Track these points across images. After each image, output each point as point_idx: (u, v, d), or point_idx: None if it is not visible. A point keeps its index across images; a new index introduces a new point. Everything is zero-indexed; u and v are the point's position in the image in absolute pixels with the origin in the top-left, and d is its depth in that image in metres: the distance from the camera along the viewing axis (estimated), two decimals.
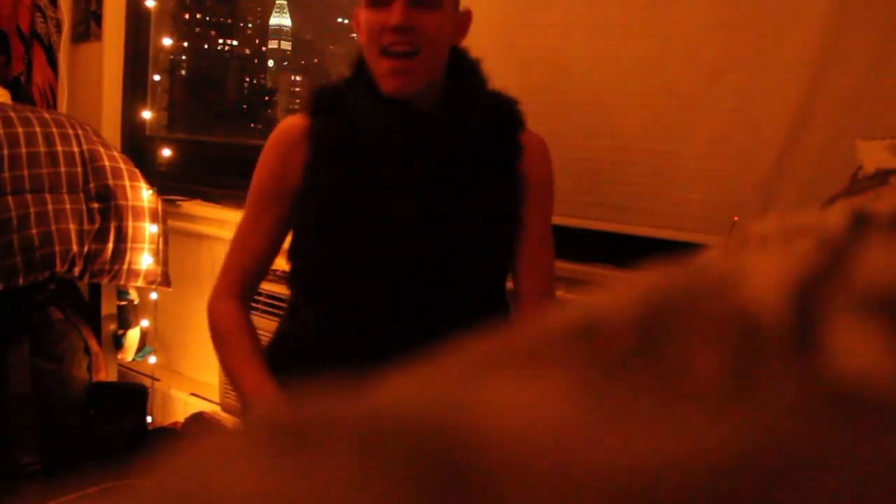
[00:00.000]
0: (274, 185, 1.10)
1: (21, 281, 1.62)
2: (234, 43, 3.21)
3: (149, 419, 2.03)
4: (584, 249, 1.55)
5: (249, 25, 3.39)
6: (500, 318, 0.98)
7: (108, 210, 1.80)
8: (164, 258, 1.90)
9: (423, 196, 1.04)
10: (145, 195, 1.87)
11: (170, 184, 2.21)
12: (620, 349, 0.11)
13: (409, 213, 1.03)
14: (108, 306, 2.07)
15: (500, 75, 1.64)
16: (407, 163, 1.04)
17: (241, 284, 1.13)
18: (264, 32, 3.46)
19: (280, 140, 1.10)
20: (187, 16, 2.72)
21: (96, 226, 1.78)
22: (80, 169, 1.77)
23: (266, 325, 1.71)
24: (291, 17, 3.45)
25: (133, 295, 2.12)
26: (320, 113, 1.09)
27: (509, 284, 1.18)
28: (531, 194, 1.13)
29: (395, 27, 0.99)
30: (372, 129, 1.04)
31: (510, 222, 1.11)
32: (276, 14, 3.55)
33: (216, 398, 1.93)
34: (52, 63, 2.27)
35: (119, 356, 2.10)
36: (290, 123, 1.11)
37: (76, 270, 1.75)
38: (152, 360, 2.17)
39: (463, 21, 1.12)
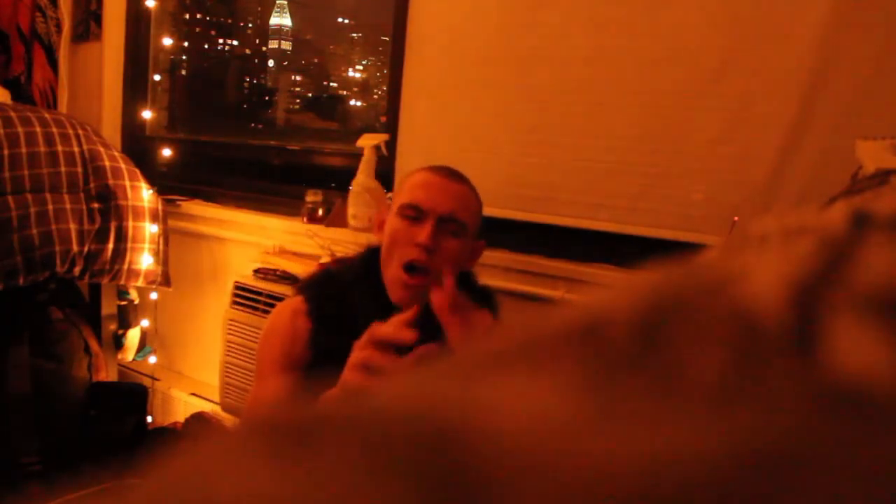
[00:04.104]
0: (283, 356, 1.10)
1: (21, 281, 1.62)
2: (234, 43, 3.20)
3: (149, 419, 2.03)
4: (584, 249, 1.55)
5: (249, 25, 3.38)
6: None
7: (108, 210, 1.80)
8: (164, 258, 1.90)
9: None
10: (145, 195, 1.87)
11: (170, 184, 2.21)
12: (621, 349, 0.11)
13: None
14: (108, 306, 2.07)
15: (501, 75, 1.64)
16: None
17: None
18: (264, 32, 3.45)
19: (280, 320, 1.10)
20: (187, 16, 2.72)
21: (96, 226, 1.78)
22: (80, 169, 1.77)
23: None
24: (291, 17, 3.45)
25: (133, 295, 2.12)
26: (318, 300, 1.09)
27: None
28: None
29: (424, 245, 1.02)
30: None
31: None
32: (276, 14, 3.55)
33: (216, 398, 1.93)
34: (53, 63, 2.27)
35: (119, 356, 2.10)
36: (288, 306, 1.11)
37: (76, 270, 1.75)
38: (152, 359, 2.17)
39: (476, 249, 1.15)
